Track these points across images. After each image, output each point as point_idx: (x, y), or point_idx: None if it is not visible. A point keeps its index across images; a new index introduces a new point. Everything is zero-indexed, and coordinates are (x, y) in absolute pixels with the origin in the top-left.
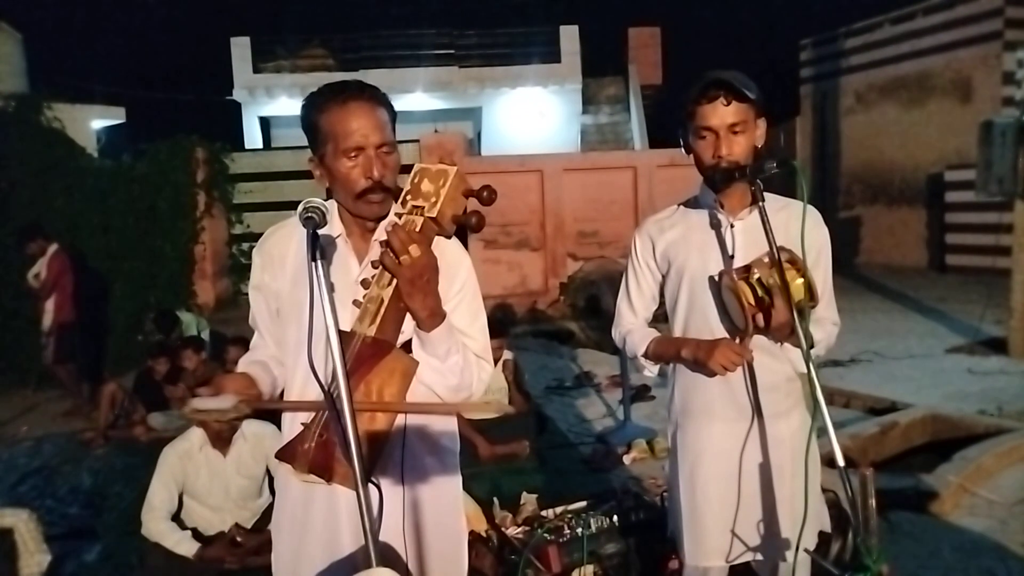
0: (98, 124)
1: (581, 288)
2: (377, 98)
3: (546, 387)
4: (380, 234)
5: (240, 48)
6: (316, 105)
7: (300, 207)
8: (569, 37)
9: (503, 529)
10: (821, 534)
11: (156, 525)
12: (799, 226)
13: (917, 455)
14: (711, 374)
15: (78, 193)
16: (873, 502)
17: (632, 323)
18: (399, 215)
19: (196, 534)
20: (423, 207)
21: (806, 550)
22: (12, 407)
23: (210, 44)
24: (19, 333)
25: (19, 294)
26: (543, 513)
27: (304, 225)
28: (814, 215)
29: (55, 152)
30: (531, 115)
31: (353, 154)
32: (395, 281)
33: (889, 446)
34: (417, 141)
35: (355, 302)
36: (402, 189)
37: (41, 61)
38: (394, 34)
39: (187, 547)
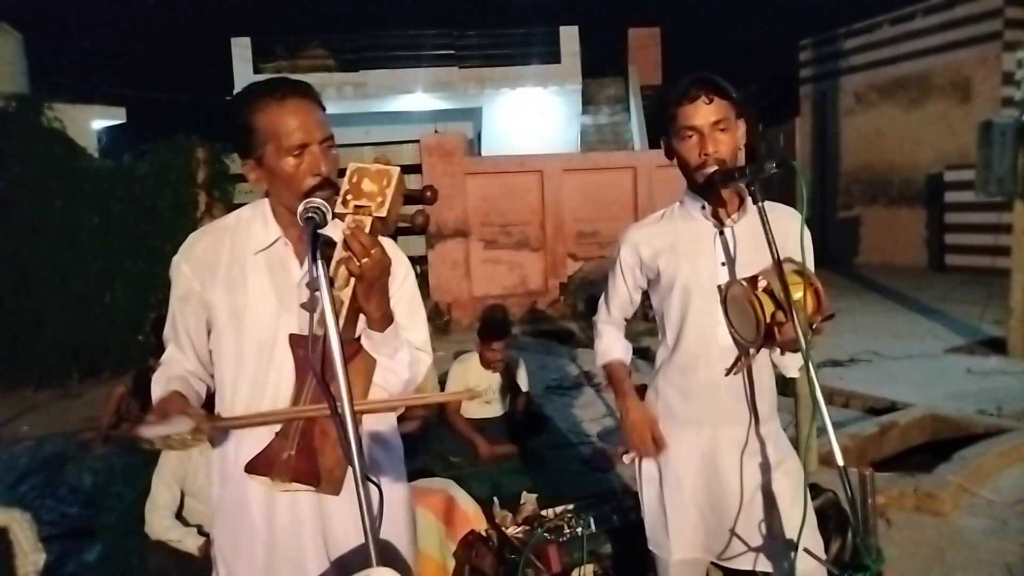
0: (99, 124)
1: (581, 288)
2: (311, 94)
3: (546, 387)
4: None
5: (240, 48)
6: (250, 105)
7: (300, 207)
8: (569, 37)
9: (503, 529)
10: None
11: (161, 522)
12: (786, 229)
13: (916, 455)
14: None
15: (78, 193)
16: (873, 502)
17: (606, 321)
18: (342, 216)
19: (199, 531)
20: (369, 207)
21: (805, 549)
22: (12, 407)
23: (210, 44)
24: (19, 333)
25: (19, 294)
26: (543, 513)
27: (304, 225)
28: (796, 220)
29: (55, 152)
30: (531, 115)
31: (297, 152)
32: (352, 282)
33: (888, 446)
34: (417, 141)
35: (303, 305)
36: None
37: (41, 61)
38: (394, 34)
39: (192, 542)
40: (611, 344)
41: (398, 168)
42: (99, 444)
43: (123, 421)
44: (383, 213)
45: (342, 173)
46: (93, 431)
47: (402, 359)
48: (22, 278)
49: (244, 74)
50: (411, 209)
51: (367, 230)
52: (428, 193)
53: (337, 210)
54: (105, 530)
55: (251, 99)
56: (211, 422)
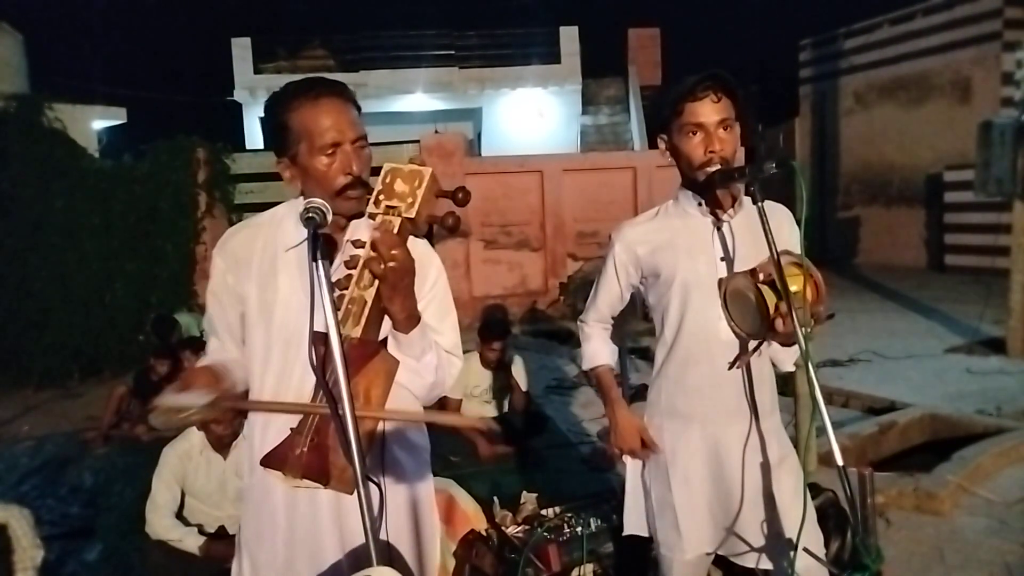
0: (99, 124)
1: (581, 288)
2: (346, 94)
3: (546, 387)
4: (351, 234)
5: (241, 49)
6: (285, 104)
7: (301, 207)
8: (569, 38)
9: (503, 528)
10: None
11: (161, 522)
12: (778, 224)
13: (916, 455)
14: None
15: (79, 193)
16: (872, 502)
17: (594, 320)
18: (373, 215)
19: (199, 530)
20: (399, 207)
21: (805, 549)
22: (12, 407)
23: (211, 44)
24: (20, 333)
25: (20, 294)
26: (543, 512)
27: (305, 225)
28: (788, 215)
29: (56, 152)
30: (531, 116)
31: (330, 151)
32: (376, 282)
33: (888, 446)
34: (417, 142)
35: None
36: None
37: (41, 61)
38: (394, 34)
39: (193, 542)
40: (598, 349)
41: (430, 169)
42: (100, 444)
43: (124, 421)
44: (412, 214)
45: (376, 172)
46: (94, 431)
47: (429, 362)
48: (23, 278)
49: (244, 74)
50: (442, 210)
51: (396, 230)
52: (460, 195)
53: (369, 210)
54: (105, 530)
55: (286, 98)
56: (232, 400)
